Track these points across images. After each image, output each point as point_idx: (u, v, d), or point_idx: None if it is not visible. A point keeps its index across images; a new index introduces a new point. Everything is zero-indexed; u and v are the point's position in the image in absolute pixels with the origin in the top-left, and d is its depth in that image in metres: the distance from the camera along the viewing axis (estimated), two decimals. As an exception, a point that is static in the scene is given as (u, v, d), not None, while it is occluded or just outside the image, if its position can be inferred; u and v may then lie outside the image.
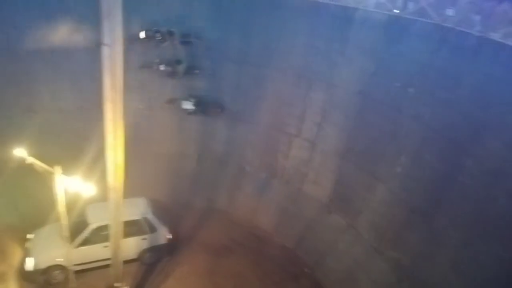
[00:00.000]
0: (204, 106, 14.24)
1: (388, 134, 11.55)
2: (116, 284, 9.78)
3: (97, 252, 11.06)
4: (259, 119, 14.30)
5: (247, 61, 13.75)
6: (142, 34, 13.11)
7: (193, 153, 15.05)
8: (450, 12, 10.32)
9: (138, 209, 11.95)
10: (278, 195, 14.38)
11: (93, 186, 9.04)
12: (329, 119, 13.10)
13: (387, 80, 11.56)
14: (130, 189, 11.53)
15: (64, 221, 9.47)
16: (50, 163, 8.83)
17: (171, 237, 12.25)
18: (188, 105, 14.13)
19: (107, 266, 10.15)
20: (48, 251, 10.90)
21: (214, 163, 15.05)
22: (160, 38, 13.27)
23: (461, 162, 9.51)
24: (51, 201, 9.35)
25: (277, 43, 13.30)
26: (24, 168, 8.98)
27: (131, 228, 11.32)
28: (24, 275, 10.75)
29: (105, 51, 7.11)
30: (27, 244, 11.25)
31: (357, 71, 12.22)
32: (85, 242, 11.09)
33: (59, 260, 10.79)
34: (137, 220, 11.69)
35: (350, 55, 12.31)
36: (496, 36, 9.30)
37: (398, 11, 11.37)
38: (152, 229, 11.90)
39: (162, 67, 13.67)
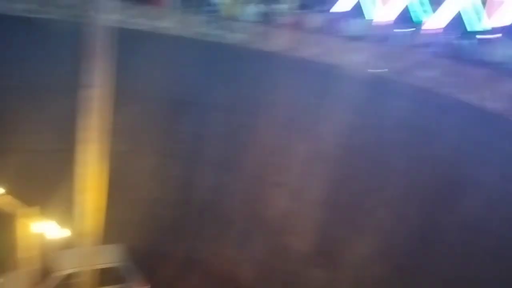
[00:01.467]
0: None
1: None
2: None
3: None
4: (246, 168, 14.19)
5: (237, 109, 13.84)
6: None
7: (173, 200, 14.70)
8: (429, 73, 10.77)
9: (113, 256, 11.44)
10: (262, 247, 13.96)
11: (68, 231, 8.68)
12: (314, 171, 13.13)
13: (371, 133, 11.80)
14: (107, 235, 11.21)
15: (28, 267, 8.95)
16: (25, 204, 8.51)
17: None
18: None
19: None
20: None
21: (196, 212, 14.69)
22: None
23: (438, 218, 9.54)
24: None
25: (265, 95, 13.55)
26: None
27: (106, 276, 10.76)
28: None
29: (88, 92, 7.12)
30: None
31: (343, 125, 12.45)
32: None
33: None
34: (112, 268, 11.15)
35: (336, 110, 12.60)
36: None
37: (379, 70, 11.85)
38: (127, 278, 11.33)
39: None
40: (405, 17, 17.28)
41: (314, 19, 13.52)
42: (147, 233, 14.08)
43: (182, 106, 14.07)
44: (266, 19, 14.31)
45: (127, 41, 12.94)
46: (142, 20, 13.59)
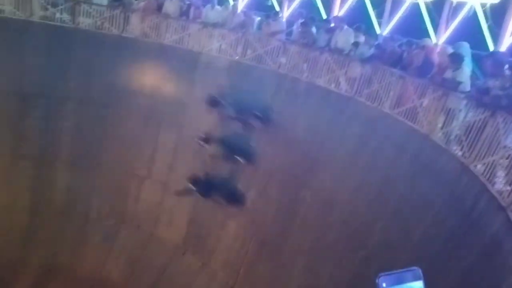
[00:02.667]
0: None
1: (236, 172, 11.99)
2: None
3: None
4: (106, 161, 13.41)
5: (90, 101, 12.92)
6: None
7: (27, 203, 13.15)
8: (283, 59, 11.49)
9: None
10: (128, 242, 13.45)
11: None
12: (180, 160, 13.03)
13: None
14: None
15: None
16: None
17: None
18: None
19: None
20: None
21: (53, 214, 13.36)
22: None
23: (302, 195, 10.40)
24: None
25: (125, 83, 12.91)
26: None
27: None
28: None
29: None
30: None
31: (205, 112, 12.56)
32: None
33: None
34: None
35: (198, 97, 12.61)
36: (321, 81, 10.66)
37: (237, 57, 12.21)
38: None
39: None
40: (263, 4, 18.07)
41: (173, 4, 13.22)
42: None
43: (29, 99, 12.57)
44: (120, 2, 13.48)
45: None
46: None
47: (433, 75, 8.42)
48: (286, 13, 15.43)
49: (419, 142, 7.96)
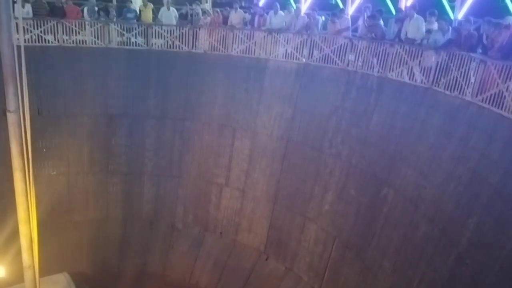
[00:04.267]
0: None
1: (313, 174, 11.93)
2: None
3: None
4: (186, 172, 14.07)
5: (167, 116, 13.67)
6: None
7: (119, 216, 14.21)
8: (351, 56, 11.24)
9: (59, 287, 10.86)
10: (213, 249, 13.96)
11: (3, 268, 8.10)
12: (256, 166, 13.26)
13: (305, 123, 12.12)
14: (50, 265, 10.61)
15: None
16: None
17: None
18: None
19: None
20: None
21: (143, 224, 14.33)
22: None
23: (383, 193, 10.04)
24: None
25: (198, 96, 13.49)
26: None
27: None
28: None
29: (10, 118, 6.65)
30: None
31: (277, 117, 12.69)
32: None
33: None
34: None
35: (269, 103, 12.80)
36: (393, 75, 10.25)
37: (304, 60, 12.16)
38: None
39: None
40: (327, 3, 17.88)
41: (238, 15, 13.57)
42: None
43: (114, 119, 13.59)
44: (187, 20, 14.12)
45: (42, 59, 12.41)
46: (58, 35, 12.95)
47: (520, 56, 7.72)
48: (350, 10, 15.12)
49: (509, 129, 7.32)
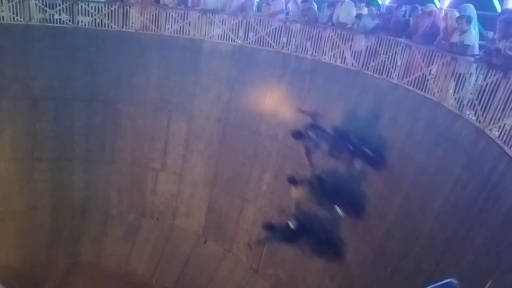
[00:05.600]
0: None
1: (251, 156, 12.05)
2: None
3: None
4: (120, 157, 13.54)
5: (98, 98, 12.99)
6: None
7: (47, 205, 13.37)
8: (285, 39, 11.36)
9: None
10: (150, 235, 13.69)
11: None
12: (193, 149, 13.10)
13: (242, 106, 12.13)
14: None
15: None
16: None
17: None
18: None
19: None
20: None
21: (74, 213, 13.62)
22: None
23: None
24: None
25: (130, 77, 12.93)
26: None
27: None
28: None
29: None
30: None
31: (214, 100, 12.57)
32: None
33: None
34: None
35: (205, 85, 12.61)
36: (326, 58, 10.54)
37: (240, 41, 12.10)
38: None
39: None
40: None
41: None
42: None
43: (38, 103, 12.64)
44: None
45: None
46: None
47: (440, 41, 8.27)
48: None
49: (431, 110, 7.87)
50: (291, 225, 9.27)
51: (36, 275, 12.44)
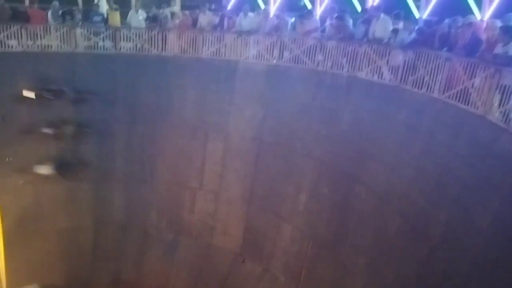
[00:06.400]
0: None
1: (286, 174, 11.97)
2: None
3: None
4: (158, 176, 13.84)
5: (137, 120, 13.41)
6: (28, 93, 12.14)
7: (89, 224, 13.81)
8: (320, 57, 11.34)
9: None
10: (188, 253, 13.78)
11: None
12: (229, 167, 13.19)
13: (277, 124, 12.15)
14: (20, 277, 10.22)
15: None
16: None
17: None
18: (43, 170, 12.83)
19: None
20: None
21: (115, 232, 13.98)
22: (50, 96, 12.38)
23: (355, 191, 10.16)
24: None
25: (168, 99, 13.30)
26: None
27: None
28: None
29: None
30: None
31: (249, 118, 12.67)
32: None
33: None
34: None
35: (240, 104, 12.76)
36: (362, 74, 10.41)
37: (275, 61, 12.19)
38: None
39: (47, 130, 12.60)
40: (295, 5, 18.04)
41: (207, 17, 13.47)
42: None
43: (83, 126, 13.20)
44: (156, 23, 13.92)
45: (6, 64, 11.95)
46: (23, 40, 12.44)
47: (482, 52, 7.96)
48: (319, 11, 15.30)
49: (475, 124, 7.54)
50: None
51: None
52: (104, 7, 14.78)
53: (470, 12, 11.13)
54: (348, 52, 10.79)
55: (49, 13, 13.24)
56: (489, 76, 7.44)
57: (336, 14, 11.62)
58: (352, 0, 14.54)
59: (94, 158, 13.42)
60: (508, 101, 7.01)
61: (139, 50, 13.33)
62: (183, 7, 18.40)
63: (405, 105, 9.36)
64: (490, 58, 7.65)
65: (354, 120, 10.44)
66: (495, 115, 7.23)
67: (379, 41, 10.31)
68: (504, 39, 7.53)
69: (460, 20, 9.13)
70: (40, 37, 12.64)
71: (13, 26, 12.34)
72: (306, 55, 11.61)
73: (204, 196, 13.66)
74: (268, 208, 12.45)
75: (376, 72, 10.27)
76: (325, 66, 11.28)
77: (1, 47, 12.25)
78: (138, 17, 13.70)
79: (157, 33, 13.25)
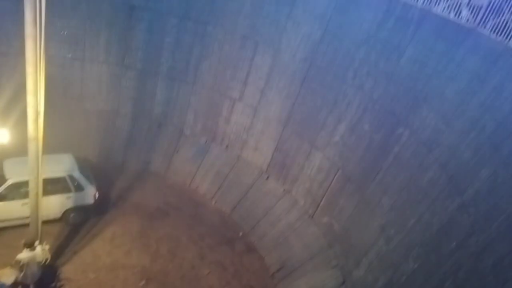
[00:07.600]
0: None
1: (330, 103, 11.56)
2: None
3: (15, 209, 10.18)
4: (201, 80, 13.74)
5: (190, 17, 12.99)
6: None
7: (129, 112, 14.15)
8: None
9: (62, 165, 11.08)
10: (217, 160, 14.07)
11: (7, 133, 8.19)
12: (273, 85, 12.87)
13: (333, 49, 11.48)
14: (57, 145, 10.77)
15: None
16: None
17: (97, 196, 11.47)
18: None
19: (27, 225, 9.36)
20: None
21: (151, 124, 14.33)
22: None
23: (398, 133, 9.73)
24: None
25: (224, 1, 12.70)
26: None
27: (55, 185, 10.55)
28: None
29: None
30: None
31: (304, 37, 12.02)
32: (1, 198, 10.14)
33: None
34: (61, 177, 10.81)
35: (298, 20, 12.05)
36: (438, 9, 9.43)
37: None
38: (78, 188, 11.08)
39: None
40: None
41: None
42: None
43: (135, 11, 12.95)
44: None
45: None
46: None
47: None
48: None
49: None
50: None
51: (109, 173, 13.44)
52: None
53: None
54: (429, -19, 9.70)
55: None
56: None
57: None
58: None
59: (142, 46, 13.30)
60: None
61: None
62: None
63: (477, 51, 8.48)
64: None
65: (416, 59, 9.66)
66: None
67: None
68: None
69: None
70: None
71: None
72: (381, -22, 10.56)
73: (242, 109, 13.57)
74: (302, 132, 12.26)
75: (454, 9, 9.24)
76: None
77: None
78: None
79: None
